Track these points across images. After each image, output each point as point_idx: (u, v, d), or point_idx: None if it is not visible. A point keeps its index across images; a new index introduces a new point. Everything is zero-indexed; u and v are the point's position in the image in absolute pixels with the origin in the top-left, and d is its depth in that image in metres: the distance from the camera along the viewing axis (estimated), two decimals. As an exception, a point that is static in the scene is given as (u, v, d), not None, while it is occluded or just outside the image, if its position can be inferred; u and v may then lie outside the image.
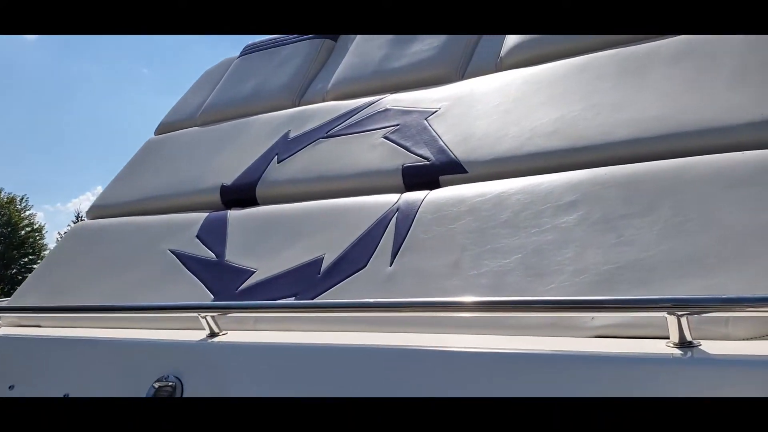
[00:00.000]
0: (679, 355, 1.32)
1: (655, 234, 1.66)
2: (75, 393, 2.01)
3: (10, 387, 2.20)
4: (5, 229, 37.37)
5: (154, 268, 2.55)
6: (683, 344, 1.34)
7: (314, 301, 2.00)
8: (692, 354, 1.32)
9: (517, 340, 1.62)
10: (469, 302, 1.63)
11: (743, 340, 1.42)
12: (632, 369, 1.32)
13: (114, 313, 2.20)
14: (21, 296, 2.83)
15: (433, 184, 2.27)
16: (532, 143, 2.17)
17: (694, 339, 1.36)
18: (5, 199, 38.98)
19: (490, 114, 2.39)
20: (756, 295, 1.31)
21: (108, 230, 2.94)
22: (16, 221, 38.12)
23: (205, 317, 1.96)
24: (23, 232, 37.94)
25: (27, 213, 39.58)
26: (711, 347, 1.33)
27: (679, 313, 1.32)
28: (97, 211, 3.14)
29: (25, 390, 2.14)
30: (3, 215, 38.34)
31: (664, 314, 1.33)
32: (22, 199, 40.23)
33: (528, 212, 1.93)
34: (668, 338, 1.37)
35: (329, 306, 1.85)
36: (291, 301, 2.05)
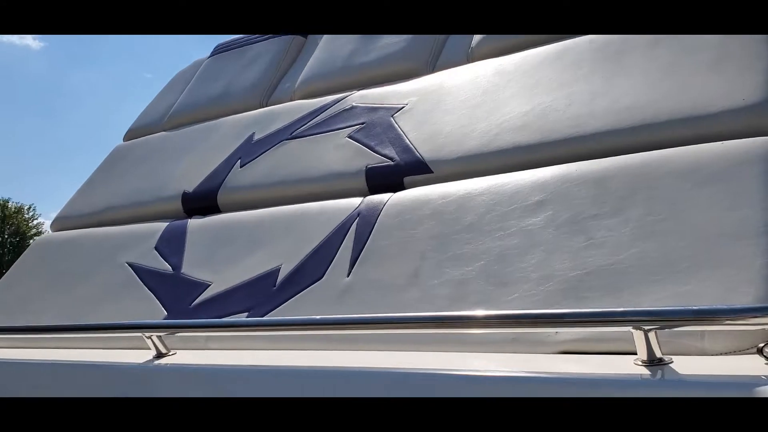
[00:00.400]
0: (647, 375, 1.16)
1: (626, 235, 1.51)
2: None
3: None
4: (13, 238, 37.56)
5: (111, 282, 2.41)
6: (652, 361, 1.19)
7: (262, 318, 1.85)
8: (662, 373, 1.16)
9: (475, 358, 1.47)
10: (424, 318, 1.48)
11: (721, 355, 1.26)
12: (594, 391, 1.17)
13: (55, 333, 2.07)
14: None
15: (397, 186, 2.12)
16: (500, 139, 2.02)
17: (666, 354, 1.21)
18: (13, 209, 39.14)
19: (459, 109, 2.23)
20: (732, 306, 1.15)
21: (70, 243, 2.81)
22: (24, 230, 38.30)
23: (150, 337, 1.82)
24: (31, 242, 38.10)
25: (35, 222, 39.78)
26: (684, 364, 1.18)
27: (646, 327, 1.17)
28: (60, 222, 3.02)
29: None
30: (11, 225, 38.49)
31: (630, 329, 1.18)
32: (29, 208, 40.41)
33: (493, 214, 1.78)
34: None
35: (276, 324, 1.71)
36: (239, 319, 1.91)
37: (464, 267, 1.70)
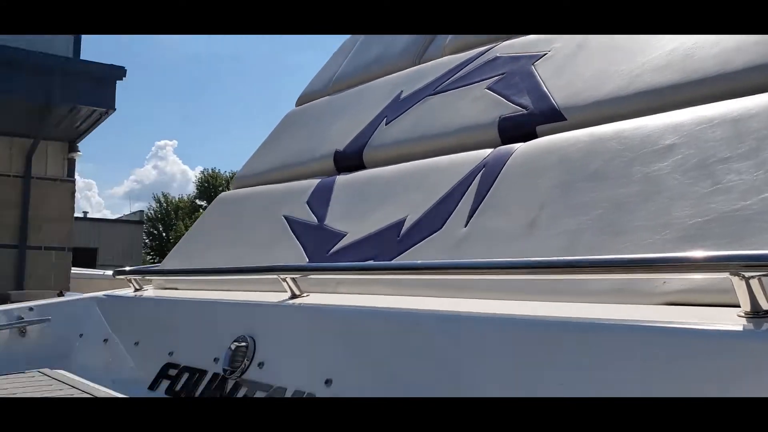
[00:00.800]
0: (748, 327, 1.03)
1: (758, 179, 1.32)
2: (176, 352, 2.14)
3: (135, 343, 2.41)
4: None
5: (269, 232, 2.62)
6: (757, 313, 1.04)
7: (376, 263, 1.91)
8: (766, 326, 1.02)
9: (580, 308, 1.39)
10: (522, 263, 1.44)
11: None
12: (688, 344, 1.06)
13: (210, 276, 2.30)
14: (169, 260, 3.09)
15: (530, 136, 2.04)
16: (641, 80, 1.85)
17: None
18: (240, 180, 43.07)
19: (602, 51, 2.08)
20: None
21: (242, 199, 3.09)
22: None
23: (285, 279, 1.97)
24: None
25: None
26: (798, 319, 1.02)
27: (747, 274, 1.02)
28: (238, 181, 3.32)
29: (145, 346, 2.33)
30: (239, 194, 42.52)
31: (727, 275, 1.05)
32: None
33: (620, 160, 1.65)
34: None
35: (389, 267, 1.75)
36: (358, 263, 1.99)
37: (581, 216, 1.60)
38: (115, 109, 12.10)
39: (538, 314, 1.35)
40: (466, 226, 1.85)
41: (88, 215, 32.03)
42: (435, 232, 1.91)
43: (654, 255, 1.20)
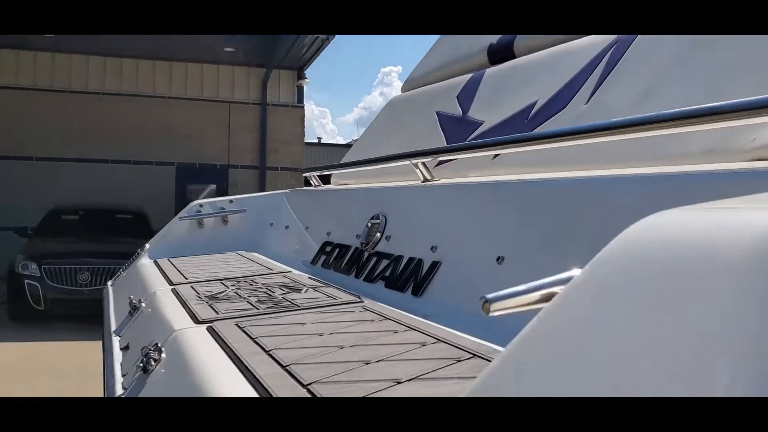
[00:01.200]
0: None
1: None
2: (332, 232, 2.40)
3: (306, 227, 2.73)
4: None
5: (422, 126, 2.76)
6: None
7: (486, 139, 1.94)
8: None
9: (670, 169, 1.34)
10: (606, 125, 1.39)
11: None
12: None
13: (352, 167, 2.51)
14: (347, 158, 3.38)
15: (670, 8, 1.90)
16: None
17: None
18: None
19: None
20: None
21: (407, 100, 3.25)
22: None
23: (416, 165, 2.11)
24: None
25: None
26: None
27: None
28: (407, 85, 3.47)
29: (312, 230, 2.64)
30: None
31: None
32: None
33: (748, 20, 1.50)
34: None
35: (495, 143, 1.78)
36: (478, 141, 2.04)
37: (694, 83, 1.50)
38: (334, 36, 12.84)
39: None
40: (587, 103, 1.81)
41: (322, 140, 34.64)
42: (558, 111, 1.90)
43: (743, 99, 1.09)
